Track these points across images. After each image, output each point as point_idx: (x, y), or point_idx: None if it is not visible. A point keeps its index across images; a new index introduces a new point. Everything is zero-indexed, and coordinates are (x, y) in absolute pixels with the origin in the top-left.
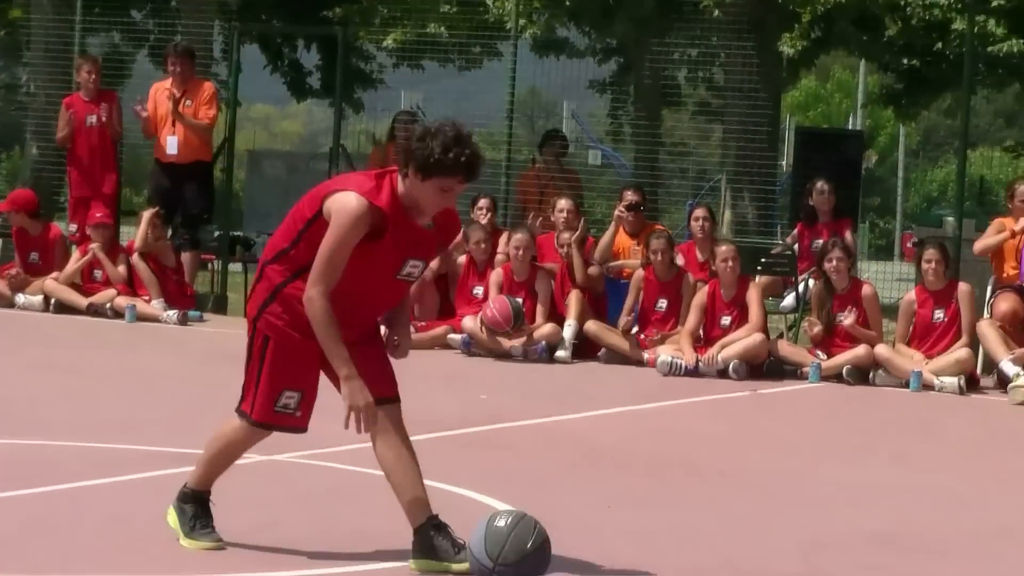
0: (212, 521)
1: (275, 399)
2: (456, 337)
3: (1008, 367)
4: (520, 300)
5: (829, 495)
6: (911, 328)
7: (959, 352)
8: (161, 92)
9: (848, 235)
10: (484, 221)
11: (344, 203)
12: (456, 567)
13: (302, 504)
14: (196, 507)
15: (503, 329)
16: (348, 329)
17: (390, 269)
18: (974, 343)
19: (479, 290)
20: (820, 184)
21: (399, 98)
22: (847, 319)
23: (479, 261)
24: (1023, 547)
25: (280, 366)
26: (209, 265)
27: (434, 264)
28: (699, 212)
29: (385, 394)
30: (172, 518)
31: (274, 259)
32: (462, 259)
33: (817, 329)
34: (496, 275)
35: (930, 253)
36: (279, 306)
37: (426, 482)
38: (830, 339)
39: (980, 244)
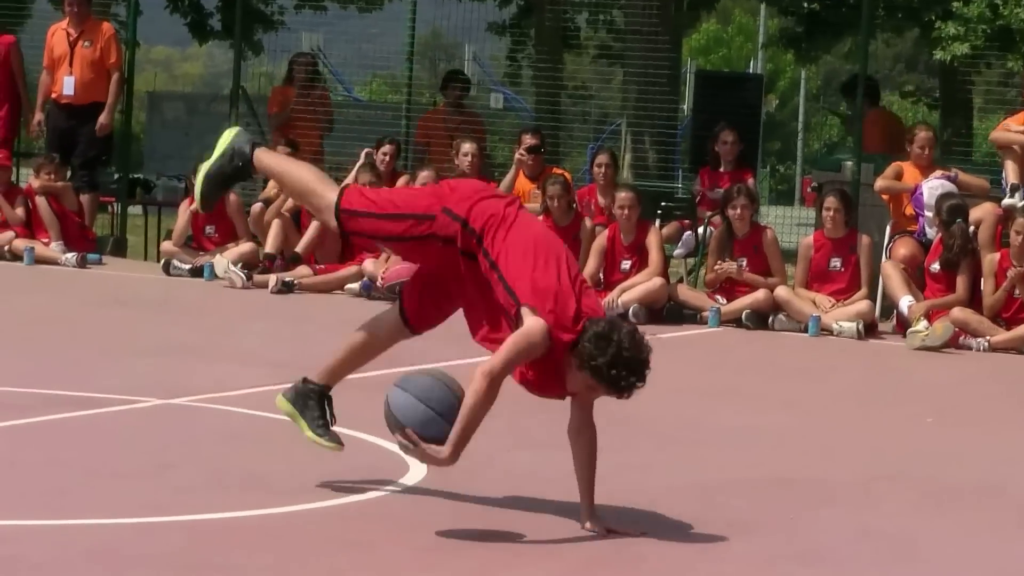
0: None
1: None
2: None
3: (906, 308)
4: None
5: (724, 440)
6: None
7: (859, 304)
8: (58, 33)
9: (751, 182)
10: (383, 167)
11: (531, 330)
12: (309, 433)
13: (197, 448)
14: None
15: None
16: None
17: None
18: (872, 294)
19: None
20: (725, 134)
21: (300, 40)
22: (739, 270)
23: None
24: (908, 492)
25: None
26: (108, 207)
27: None
28: (602, 158)
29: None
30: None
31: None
32: None
33: (714, 275)
34: None
35: (830, 201)
36: None
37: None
38: (731, 284)
39: (882, 183)
